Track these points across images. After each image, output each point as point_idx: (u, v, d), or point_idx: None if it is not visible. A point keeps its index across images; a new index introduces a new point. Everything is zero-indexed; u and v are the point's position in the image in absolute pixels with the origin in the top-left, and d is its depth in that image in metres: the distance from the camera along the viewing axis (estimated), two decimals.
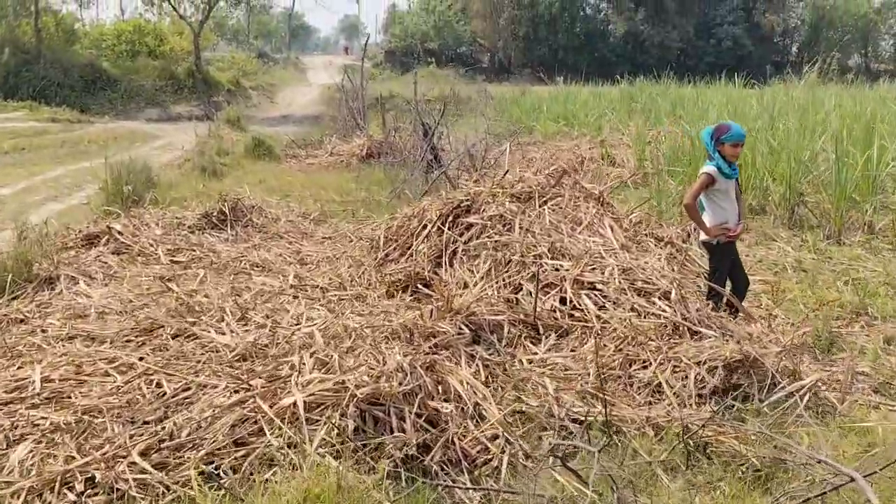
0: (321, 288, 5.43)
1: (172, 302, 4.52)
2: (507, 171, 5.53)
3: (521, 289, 4.61)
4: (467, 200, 5.26)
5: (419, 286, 5.06)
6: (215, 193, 9.01)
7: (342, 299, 5.20)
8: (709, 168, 4.57)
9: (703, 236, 4.70)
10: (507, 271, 4.70)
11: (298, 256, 6.48)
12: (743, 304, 4.66)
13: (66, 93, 28.13)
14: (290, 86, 43.21)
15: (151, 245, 6.03)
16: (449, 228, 5.16)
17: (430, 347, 3.91)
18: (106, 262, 5.46)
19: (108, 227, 5.96)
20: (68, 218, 10.37)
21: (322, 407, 3.06)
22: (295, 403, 3.01)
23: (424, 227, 5.30)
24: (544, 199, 5.14)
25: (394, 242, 5.62)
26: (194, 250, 6.15)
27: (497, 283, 4.63)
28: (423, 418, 3.18)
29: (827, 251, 7.46)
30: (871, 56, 61.78)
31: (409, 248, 5.44)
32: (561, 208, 5.06)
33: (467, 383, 3.48)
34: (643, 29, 60.62)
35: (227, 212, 7.10)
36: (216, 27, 46.73)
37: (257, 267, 5.96)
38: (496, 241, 4.85)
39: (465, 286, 4.83)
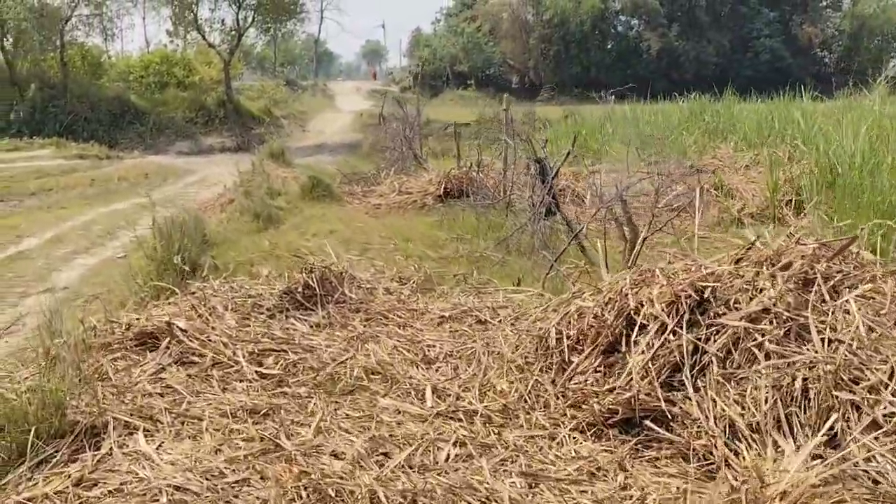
0: (482, 416, 3.69)
1: (286, 475, 2.80)
2: (757, 239, 3.76)
3: (836, 437, 2.84)
4: (704, 283, 3.51)
5: (645, 421, 3.31)
6: (284, 251, 7.36)
7: (521, 439, 3.46)
8: None
9: None
10: (806, 408, 2.94)
11: (418, 349, 4.76)
12: None
13: (93, 127, 26.97)
14: (321, 113, 41.98)
15: (226, 345, 4.33)
16: (687, 328, 3.40)
17: None
18: (170, 386, 3.76)
19: (167, 325, 4.28)
20: (103, 278, 8.75)
21: None
22: None
23: (642, 326, 3.54)
24: (830, 281, 3.39)
25: (579, 341, 3.87)
26: (285, 350, 4.44)
27: (796, 429, 2.86)
28: None
29: None
30: None
31: (608, 354, 3.69)
32: (870, 299, 3.30)
33: None
34: (678, 44, 59.01)
35: (314, 285, 5.40)
36: (243, 56, 45.71)
37: (375, 374, 4.24)
38: (779, 357, 3.09)
39: (733, 429, 3.06)
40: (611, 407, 3.42)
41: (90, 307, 5.52)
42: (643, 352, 3.41)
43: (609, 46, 62.99)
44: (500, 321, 5.06)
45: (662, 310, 3.45)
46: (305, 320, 5.12)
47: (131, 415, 3.33)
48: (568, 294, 4.29)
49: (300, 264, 6.37)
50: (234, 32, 30.63)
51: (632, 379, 3.39)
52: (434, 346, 4.84)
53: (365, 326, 5.10)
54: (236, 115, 29.86)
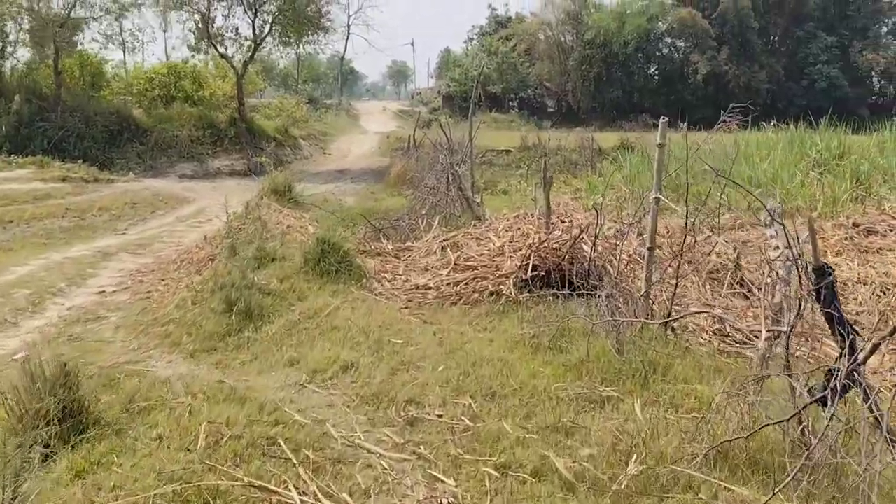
0: None
1: None
2: None
3: None
4: None
5: None
6: (253, 440, 3.43)
7: None
8: None
9: None
10: None
11: None
12: None
13: (86, 145, 23.39)
14: (345, 134, 38.42)
15: None
16: None
17: None
18: None
19: None
20: None
21: None
22: None
23: None
24: None
25: None
26: None
27: None
28: None
29: None
30: None
31: None
32: None
33: None
34: (727, 69, 54.81)
35: None
36: (264, 72, 42.30)
37: None
38: None
39: None
40: None
41: None
42: None
43: (652, 70, 59.10)
44: None
45: None
46: None
47: None
48: None
49: None
50: (249, 43, 27.03)
51: None
52: None
53: None
54: (248, 134, 26.25)
